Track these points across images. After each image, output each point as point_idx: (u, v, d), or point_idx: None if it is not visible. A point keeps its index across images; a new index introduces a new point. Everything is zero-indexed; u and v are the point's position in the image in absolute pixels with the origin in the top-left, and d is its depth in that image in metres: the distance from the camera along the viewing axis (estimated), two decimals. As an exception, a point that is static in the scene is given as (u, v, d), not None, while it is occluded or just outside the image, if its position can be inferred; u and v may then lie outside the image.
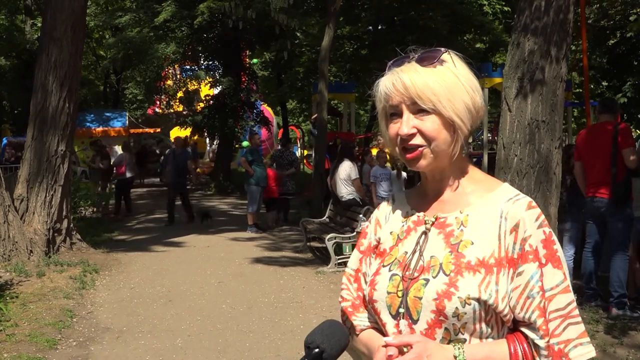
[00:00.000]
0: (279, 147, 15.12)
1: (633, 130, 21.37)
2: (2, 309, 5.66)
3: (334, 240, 8.21)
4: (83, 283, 7.06)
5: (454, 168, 1.39)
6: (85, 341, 5.23)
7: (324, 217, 10.08)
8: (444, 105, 1.30)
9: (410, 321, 1.31)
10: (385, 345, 1.27)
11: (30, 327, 5.36)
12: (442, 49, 1.35)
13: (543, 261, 1.29)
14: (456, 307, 1.26)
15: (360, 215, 8.29)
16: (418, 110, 1.31)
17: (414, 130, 1.31)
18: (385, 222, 1.48)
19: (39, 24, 16.14)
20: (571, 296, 1.31)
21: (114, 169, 14.67)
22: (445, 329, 1.28)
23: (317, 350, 1.26)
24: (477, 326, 1.28)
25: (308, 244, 9.69)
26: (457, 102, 1.31)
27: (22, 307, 5.92)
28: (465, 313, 1.26)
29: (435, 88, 1.30)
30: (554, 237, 1.32)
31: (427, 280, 1.30)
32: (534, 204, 1.34)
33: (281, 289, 7.14)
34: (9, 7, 22.51)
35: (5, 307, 5.73)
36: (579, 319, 1.31)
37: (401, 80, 1.32)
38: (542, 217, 1.32)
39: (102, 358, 4.86)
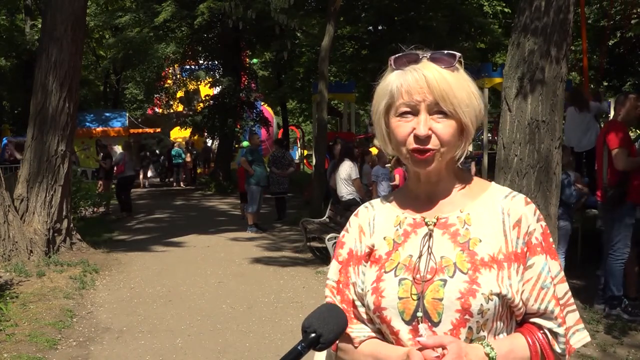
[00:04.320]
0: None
1: (632, 130, 21.33)
2: (2, 309, 5.66)
3: (334, 240, 8.20)
4: (83, 283, 7.06)
5: (449, 170, 1.38)
6: (85, 341, 5.23)
7: (324, 217, 10.09)
8: (463, 111, 1.29)
9: (430, 324, 1.28)
10: (421, 349, 1.23)
11: (30, 327, 5.36)
12: (457, 54, 1.31)
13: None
14: (481, 304, 1.25)
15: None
16: (436, 111, 1.28)
17: (430, 132, 1.29)
18: (370, 229, 1.43)
19: (39, 24, 16.13)
20: (567, 285, 1.36)
21: (114, 167, 14.72)
22: (469, 327, 1.27)
23: (314, 335, 1.23)
24: (495, 323, 1.29)
25: (308, 244, 9.69)
26: (472, 108, 1.31)
27: (22, 307, 5.92)
28: (489, 309, 1.26)
29: (457, 92, 1.28)
30: (549, 230, 1.37)
31: (445, 281, 1.28)
32: (529, 199, 1.38)
33: (281, 289, 7.14)
34: (9, 7, 22.53)
35: (5, 307, 5.73)
36: (575, 306, 1.36)
37: (425, 77, 1.27)
38: (538, 211, 1.36)
39: (102, 358, 4.86)
